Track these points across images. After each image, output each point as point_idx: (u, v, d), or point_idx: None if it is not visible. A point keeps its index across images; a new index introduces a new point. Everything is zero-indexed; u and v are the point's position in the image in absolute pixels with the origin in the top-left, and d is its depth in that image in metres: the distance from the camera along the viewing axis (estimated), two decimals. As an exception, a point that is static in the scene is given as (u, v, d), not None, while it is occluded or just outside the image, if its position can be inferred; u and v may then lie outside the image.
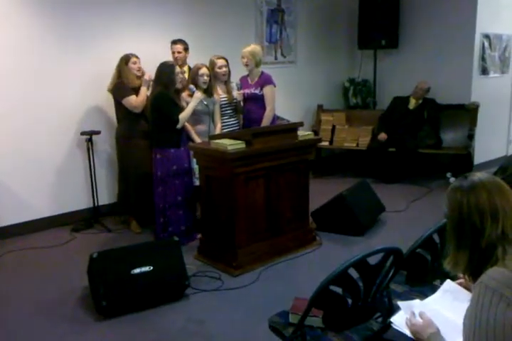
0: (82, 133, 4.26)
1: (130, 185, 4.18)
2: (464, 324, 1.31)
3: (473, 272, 1.39)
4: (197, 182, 3.84)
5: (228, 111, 4.22)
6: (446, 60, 5.83)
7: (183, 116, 3.76)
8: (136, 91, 4.02)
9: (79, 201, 4.47)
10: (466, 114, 5.65)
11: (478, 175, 1.43)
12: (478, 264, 1.36)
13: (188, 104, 3.86)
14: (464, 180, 1.42)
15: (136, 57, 4.09)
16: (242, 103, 4.28)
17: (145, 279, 2.87)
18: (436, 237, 2.02)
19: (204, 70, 3.93)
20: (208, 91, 3.99)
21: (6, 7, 3.91)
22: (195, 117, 3.97)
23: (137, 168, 4.07)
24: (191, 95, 3.89)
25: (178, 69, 3.85)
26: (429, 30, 5.95)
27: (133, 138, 4.08)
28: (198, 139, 3.95)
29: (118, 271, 2.85)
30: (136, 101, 3.98)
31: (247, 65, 4.16)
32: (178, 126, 3.76)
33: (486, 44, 5.86)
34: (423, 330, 1.49)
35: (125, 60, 4.03)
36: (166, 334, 2.65)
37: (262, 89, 4.18)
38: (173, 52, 4.37)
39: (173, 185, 3.80)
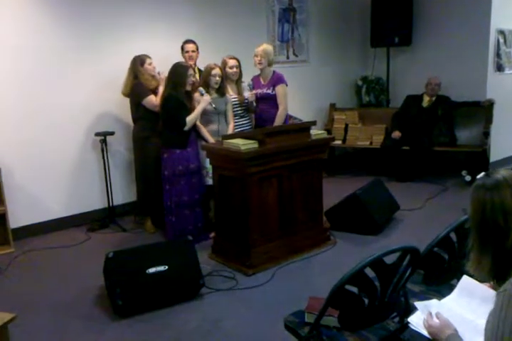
0: (97, 134, 4.30)
1: (149, 185, 4.19)
2: (486, 329, 1.28)
3: (497, 275, 1.34)
4: (210, 182, 3.86)
5: (239, 112, 4.22)
6: (461, 56, 5.76)
7: (190, 119, 3.79)
8: (152, 91, 4.06)
9: (94, 201, 4.51)
10: (482, 111, 5.58)
11: (501, 173, 1.37)
12: (503, 267, 1.31)
13: (199, 103, 3.89)
14: (488, 178, 1.37)
15: (150, 57, 4.12)
16: (254, 103, 4.28)
17: (160, 279, 2.89)
18: (453, 236, 2.00)
19: (217, 71, 3.94)
20: (220, 91, 4.01)
21: (19, 9, 3.95)
22: (206, 117, 3.99)
23: (156, 168, 4.09)
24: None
25: (191, 71, 3.87)
26: (442, 27, 5.88)
27: (151, 138, 4.10)
28: (211, 139, 3.96)
29: (134, 270, 2.87)
30: (156, 100, 4.01)
31: (260, 64, 4.15)
32: (186, 128, 3.79)
33: (501, 40, 5.78)
34: (441, 331, 1.47)
35: (140, 61, 4.06)
36: (181, 334, 2.67)
37: (274, 88, 4.17)
38: (187, 51, 4.39)
39: (178, 184, 3.84)
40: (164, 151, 3.87)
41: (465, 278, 1.70)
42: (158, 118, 3.98)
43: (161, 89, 4.04)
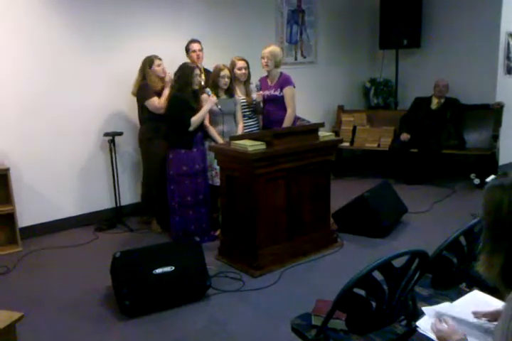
0: (105, 135, 4.32)
1: (153, 186, 4.22)
2: (495, 335, 1.26)
3: (506, 277, 1.31)
4: (219, 182, 3.86)
5: (247, 113, 4.22)
6: (470, 59, 5.72)
7: (195, 119, 3.80)
8: (158, 93, 4.07)
9: (102, 201, 4.53)
10: (491, 114, 5.55)
11: None
12: None
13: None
14: (505, 178, 1.33)
15: (160, 59, 4.13)
16: (261, 104, 4.28)
17: (167, 279, 2.90)
18: (462, 239, 1.98)
19: (225, 72, 3.95)
20: (229, 92, 4.02)
21: (31, 8, 3.98)
22: (212, 118, 4.00)
23: (160, 169, 4.10)
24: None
25: (197, 71, 3.89)
26: (452, 29, 5.85)
27: (156, 140, 4.12)
28: (220, 139, 3.96)
29: (141, 270, 2.87)
30: (159, 102, 4.02)
31: (266, 66, 4.14)
32: (190, 128, 3.81)
33: (512, 43, 5.75)
34: (449, 337, 1.45)
35: (149, 62, 4.08)
36: (187, 334, 2.67)
37: (281, 90, 4.17)
38: (194, 51, 4.38)
39: (183, 185, 3.86)
40: (170, 151, 3.89)
41: (475, 292, 1.68)
42: (163, 119, 4.00)
43: (166, 91, 4.05)
